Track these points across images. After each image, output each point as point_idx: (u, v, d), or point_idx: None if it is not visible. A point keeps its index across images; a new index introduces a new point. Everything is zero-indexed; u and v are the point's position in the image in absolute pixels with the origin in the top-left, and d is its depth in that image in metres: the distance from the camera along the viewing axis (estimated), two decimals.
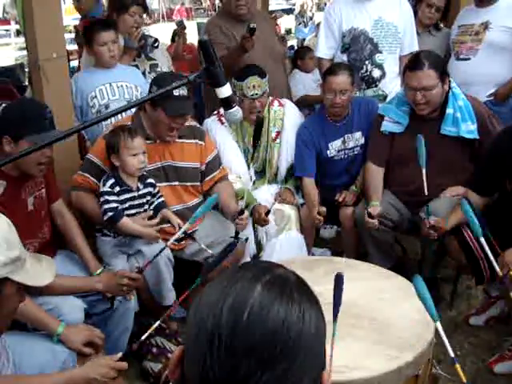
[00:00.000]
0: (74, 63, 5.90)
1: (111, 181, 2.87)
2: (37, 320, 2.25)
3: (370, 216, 3.23)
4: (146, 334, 2.35)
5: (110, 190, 2.86)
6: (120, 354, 2.10)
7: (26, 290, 2.26)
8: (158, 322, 2.31)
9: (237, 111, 1.88)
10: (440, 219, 3.02)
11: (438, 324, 1.89)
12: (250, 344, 0.78)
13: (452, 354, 1.88)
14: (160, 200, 3.04)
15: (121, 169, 2.88)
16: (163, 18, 25.72)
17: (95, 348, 2.31)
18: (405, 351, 1.94)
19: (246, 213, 3.13)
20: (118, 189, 2.88)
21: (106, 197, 2.85)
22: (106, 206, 2.84)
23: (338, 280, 1.75)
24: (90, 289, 2.63)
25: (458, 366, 1.85)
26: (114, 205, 2.85)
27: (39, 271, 1.36)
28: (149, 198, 3.01)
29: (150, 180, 3.01)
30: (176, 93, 2.90)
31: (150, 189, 3.01)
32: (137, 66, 3.88)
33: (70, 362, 2.21)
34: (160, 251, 2.72)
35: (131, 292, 2.73)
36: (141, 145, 2.89)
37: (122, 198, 2.90)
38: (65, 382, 1.92)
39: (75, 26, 6.59)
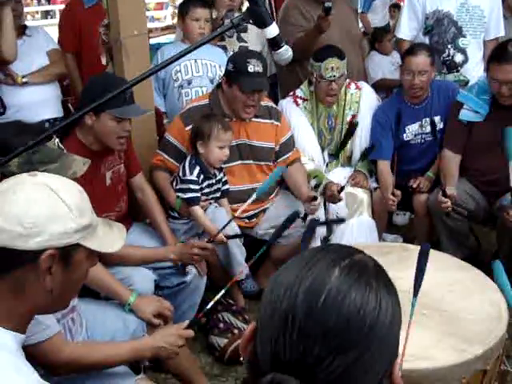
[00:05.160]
0: (153, 41, 5.95)
1: (197, 169, 2.91)
2: (110, 289, 2.32)
3: (444, 194, 3.13)
4: (211, 304, 2.42)
5: (196, 179, 2.90)
6: (187, 322, 2.15)
7: (102, 259, 2.35)
8: (223, 291, 2.34)
9: (286, 51, 1.82)
10: None
11: None
12: (324, 329, 0.77)
13: None
14: (225, 187, 3.09)
15: (203, 156, 2.91)
16: None
17: (164, 319, 2.37)
18: (474, 345, 1.89)
19: (319, 199, 3.10)
20: (202, 177, 2.93)
21: (191, 186, 2.89)
22: (190, 194, 2.89)
23: (423, 253, 1.69)
24: (163, 258, 2.70)
25: None
26: (198, 194, 2.90)
27: (110, 238, 1.39)
28: (224, 186, 3.07)
29: (223, 164, 3.04)
30: (251, 69, 2.92)
31: (221, 174, 3.05)
32: (225, 46, 3.85)
33: (140, 331, 2.27)
34: (228, 222, 2.76)
35: (203, 266, 2.80)
36: (230, 139, 2.93)
37: (204, 185, 2.95)
38: (133, 351, 1.98)
39: None
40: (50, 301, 1.28)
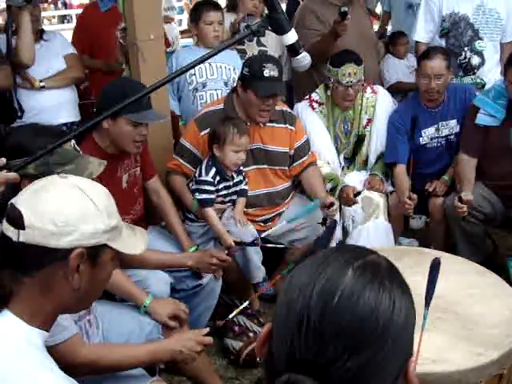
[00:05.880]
0: None
1: (213, 170, 2.91)
2: (126, 291, 2.33)
3: (461, 200, 3.11)
4: (234, 314, 2.42)
5: (211, 180, 2.90)
6: (207, 330, 2.16)
7: (120, 263, 2.37)
8: (246, 303, 2.37)
9: (304, 57, 1.82)
10: None
11: None
12: (338, 329, 0.78)
13: None
14: (244, 187, 3.08)
15: (219, 159, 2.92)
16: None
17: (180, 322, 2.37)
18: (490, 349, 1.88)
19: (336, 204, 3.10)
20: (218, 178, 2.92)
21: (206, 186, 2.89)
22: (204, 195, 2.89)
23: (435, 266, 1.71)
24: (180, 264, 2.72)
25: None
26: (212, 195, 2.91)
27: (133, 240, 1.42)
28: (241, 185, 3.06)
29: (241, 167, 3.04)
30: (266, 74, 2.91)
31: (240, 177, 3.05)
32: (244, 50, 3.86)
33: (155, 334, 2.27)
34: (252, 243, 2.85)
35: (219, 271, 2.81)
36: (246, 143, 2.92)
37: (220, 186, 2.95)
38: (150, 354, 1.98)
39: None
40: (75, 300, 1.31)
